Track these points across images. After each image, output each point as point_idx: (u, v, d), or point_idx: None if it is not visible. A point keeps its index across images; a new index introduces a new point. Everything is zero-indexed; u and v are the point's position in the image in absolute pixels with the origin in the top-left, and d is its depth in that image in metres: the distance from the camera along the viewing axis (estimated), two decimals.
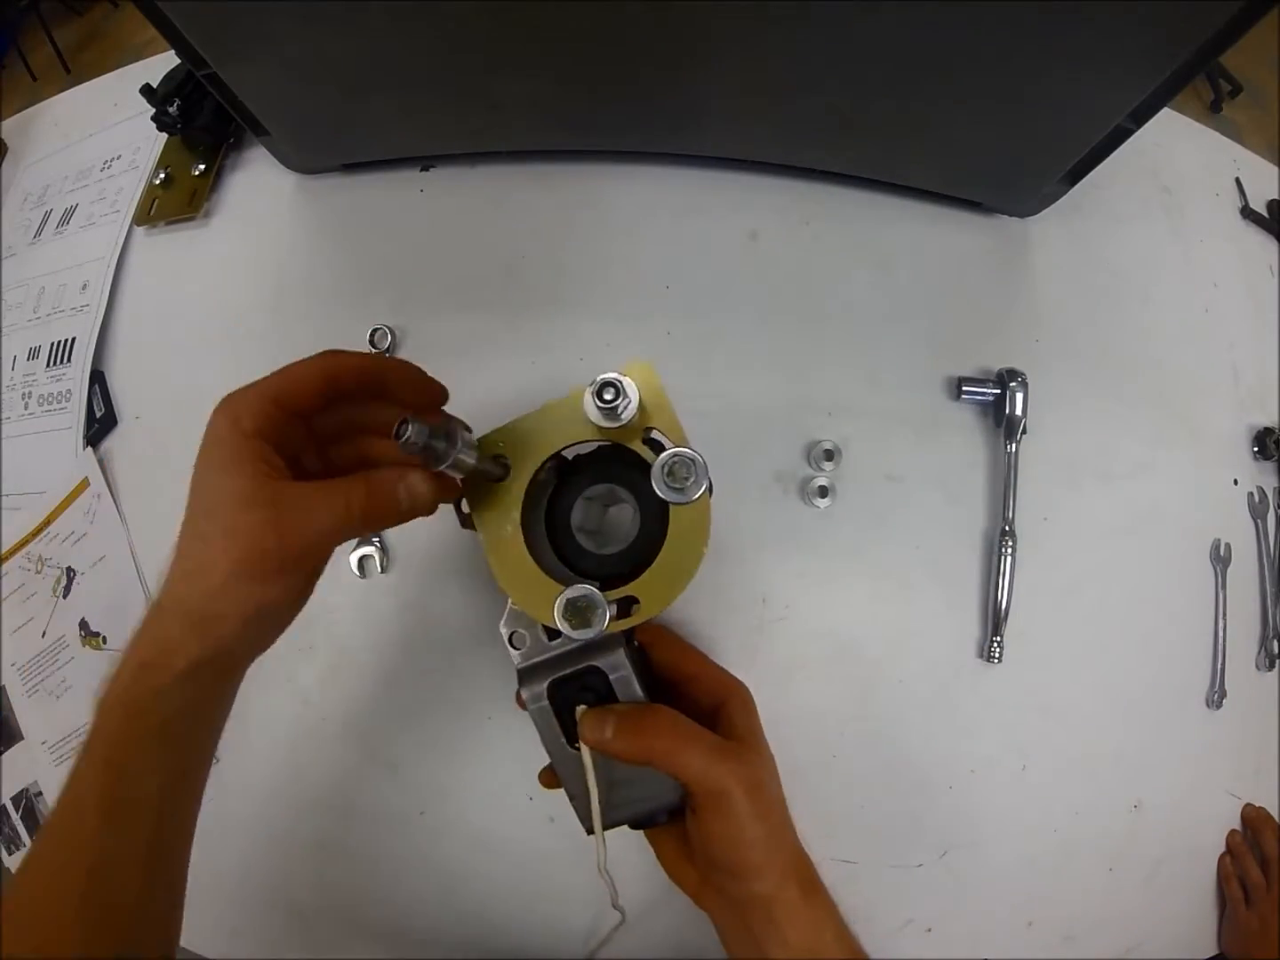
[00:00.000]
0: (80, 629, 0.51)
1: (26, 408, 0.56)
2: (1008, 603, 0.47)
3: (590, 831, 0.32)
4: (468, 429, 0.30)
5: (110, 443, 0.53)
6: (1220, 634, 0.50)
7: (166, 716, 0.28)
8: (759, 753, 0.33)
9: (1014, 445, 0.49)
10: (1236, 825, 0.49)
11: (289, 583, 0.28)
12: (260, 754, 0.47)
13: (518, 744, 0.42)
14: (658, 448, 0.32)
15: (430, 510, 0.30)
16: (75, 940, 0.27)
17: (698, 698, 0.35)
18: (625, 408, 0.31)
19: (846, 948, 0.31)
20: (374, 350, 0.51)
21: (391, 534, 0.50)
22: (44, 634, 0.51)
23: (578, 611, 0.29)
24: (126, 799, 0.28)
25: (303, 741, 0.47)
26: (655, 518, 0.32)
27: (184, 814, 0.31)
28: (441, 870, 0.45)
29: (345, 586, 0.49)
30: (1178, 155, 0.61)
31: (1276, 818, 0.49)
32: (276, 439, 0.28)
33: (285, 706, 0.48)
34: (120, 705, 0.28)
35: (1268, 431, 0.54)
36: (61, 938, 0.27)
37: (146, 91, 0.55)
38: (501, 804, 0.45)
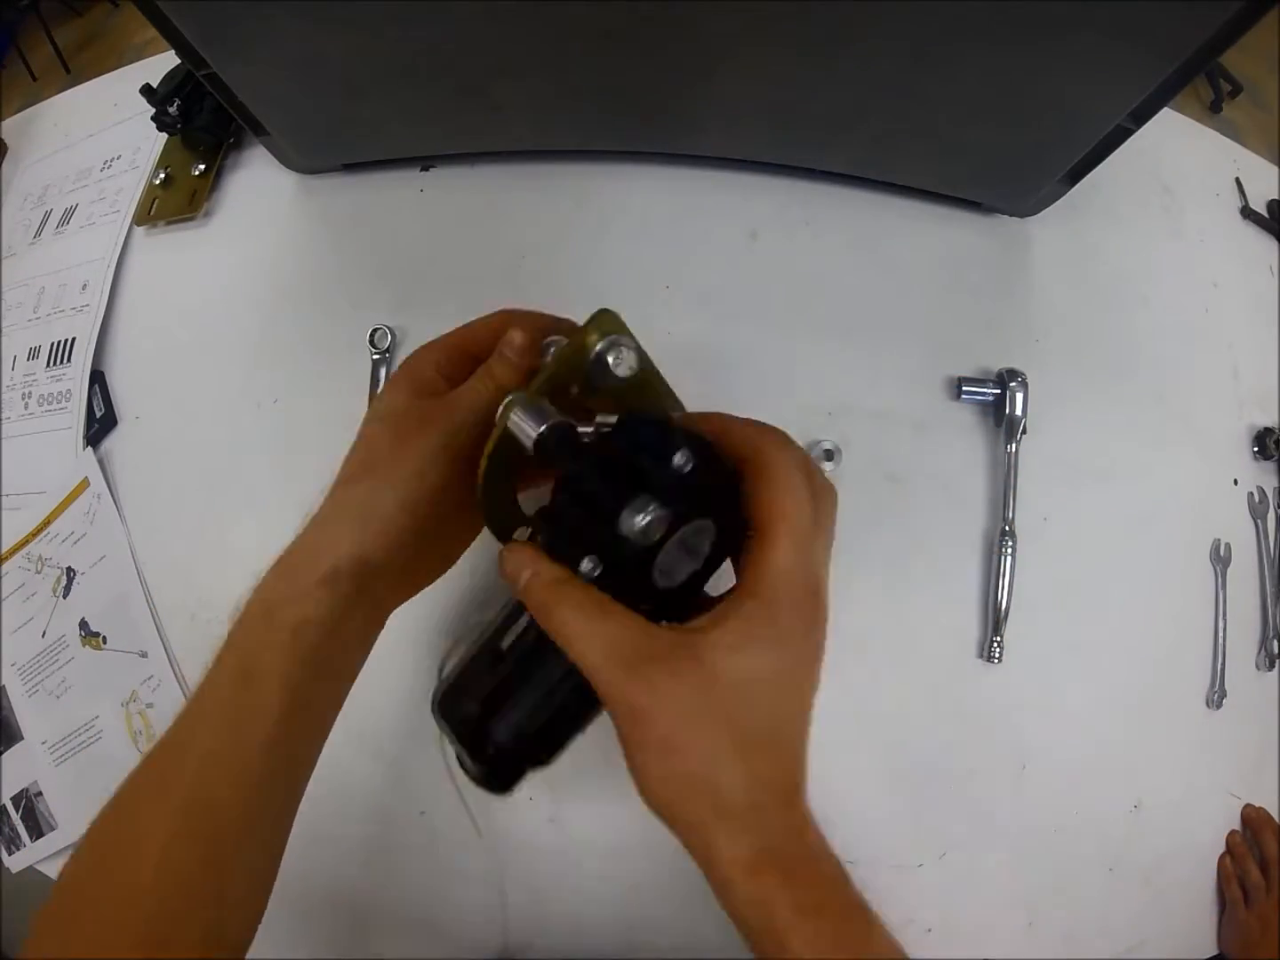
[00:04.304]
0: (80, 629, 0.50)
1: (26, 408, 0.56)
2: (1008, 603, 0.47)
3: None
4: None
5: (110, 443, 0.53)
6: (1220, 634, 0.50)
7: (299, 621, 0.28)
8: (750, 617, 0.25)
9: (1014, 445, 0.49)
10: (1236, 825, 0.49)
11: (441, 470, 0.29)
12: None
13: None
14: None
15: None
16: (166, 860, 0.26)
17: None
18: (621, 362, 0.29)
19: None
20: (374, 350, 0.51)
21: None
22: (44, 634, 0.51)
23: None
24: (249, 702, 0.27)
25: None
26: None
27: (302, 740, 0.29)
28: (442, 870, 0.45)
29: None
30: (1178, 155, 0.61)
31: (1276, 818, 0.49)
32: (455, 377, 0.32)
33: None
34: (258, 604, 0.29)
35: (1268, 431, 0.54)
36: (148, 854, 0.26)
37: (146, 91, 0.55)
38: (502, 803, 0.45)
